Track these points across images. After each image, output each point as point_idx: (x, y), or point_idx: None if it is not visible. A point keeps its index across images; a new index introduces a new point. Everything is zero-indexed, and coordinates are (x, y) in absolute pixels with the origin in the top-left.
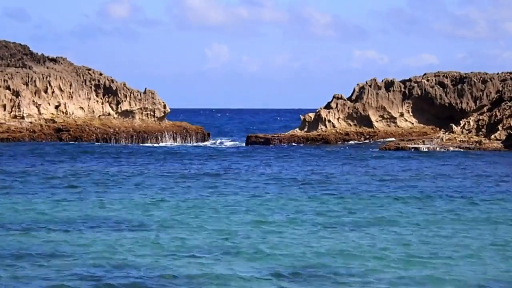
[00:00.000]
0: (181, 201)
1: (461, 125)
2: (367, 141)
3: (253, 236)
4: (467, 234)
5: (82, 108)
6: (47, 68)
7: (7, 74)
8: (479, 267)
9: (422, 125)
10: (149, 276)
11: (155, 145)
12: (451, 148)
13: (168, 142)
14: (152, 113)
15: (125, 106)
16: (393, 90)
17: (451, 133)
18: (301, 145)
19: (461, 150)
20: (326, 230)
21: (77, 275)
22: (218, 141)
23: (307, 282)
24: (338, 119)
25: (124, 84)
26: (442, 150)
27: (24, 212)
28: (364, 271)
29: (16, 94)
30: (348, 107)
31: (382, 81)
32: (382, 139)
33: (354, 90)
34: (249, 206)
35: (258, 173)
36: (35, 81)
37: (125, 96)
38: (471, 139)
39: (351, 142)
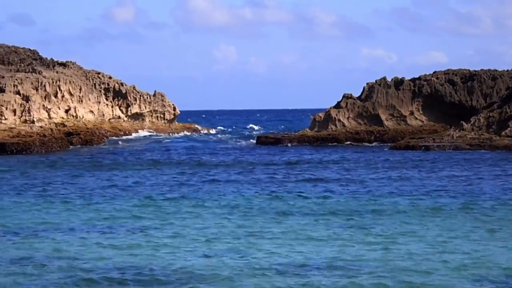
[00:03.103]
0: None
1: (471, 122)
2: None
3: None
4: None
5: (92, 111)
6: (57, 72)
7: (17, 79)
8: None
9: (432, 123)
10: None
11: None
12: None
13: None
14: (162, 116)
15: (135, 109)
16: (403, 89)
17: (461, 131)
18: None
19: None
20: None
21: None
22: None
23: None
24: (348, 118)
25: (134, 87)
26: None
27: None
28: None
29: (26, 99)
30: (358, 106)
31: (392, 79)
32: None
33: (363, 89)
34: None
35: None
36: (45, 85)
37: (135, 99)
38: (482, 136)
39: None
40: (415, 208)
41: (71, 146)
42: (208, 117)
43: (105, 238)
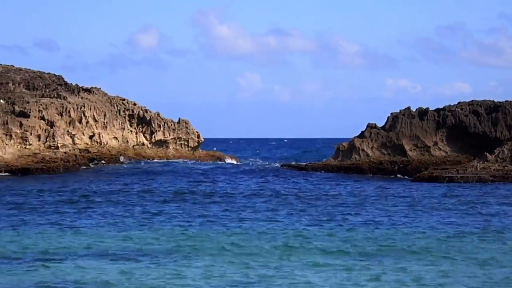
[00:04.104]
0: None
1: (496, 153)
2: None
3: None
4: None
5: (116, 138)
6: (81, 98)
7: (41, 105)
8: None
9: (456, 154)
10: None
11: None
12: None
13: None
14: (186, 143)
15: (159, 136)
16: (427, 119)
17: (485, 162)
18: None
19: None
20: None
21: None
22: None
23: None
24: (371, 148)
25: (158, 114)
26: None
27: None
28: None
29: (51, 124)
30: (382, 136)
31: (416, 110)
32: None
33: (388, 119)
34: None
35: None
36: (69, 111)
37: (159, 126)
38: (506, 167)
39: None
40: (435, 242)
41: (91, 164)
42: (228, 144)
43: (114, 265)
